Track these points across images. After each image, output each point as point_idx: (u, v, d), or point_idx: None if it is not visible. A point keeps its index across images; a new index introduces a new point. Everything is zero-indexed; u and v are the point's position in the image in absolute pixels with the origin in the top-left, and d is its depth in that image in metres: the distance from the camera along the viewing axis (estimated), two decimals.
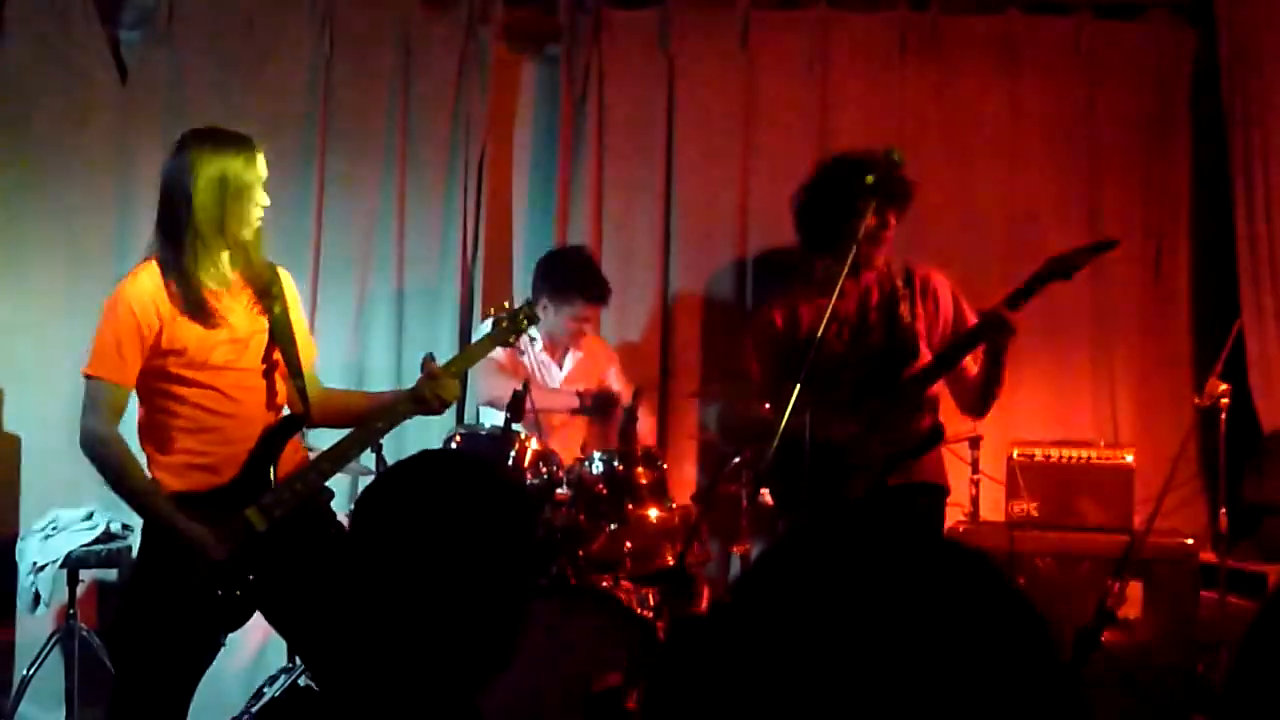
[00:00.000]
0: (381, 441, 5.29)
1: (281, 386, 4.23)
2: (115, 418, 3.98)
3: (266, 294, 4.15)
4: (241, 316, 4.09)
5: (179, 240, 3.97)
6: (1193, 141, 6.45)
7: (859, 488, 4.45)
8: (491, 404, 5.60)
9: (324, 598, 3.89)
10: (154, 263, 4.00)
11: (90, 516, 5.76)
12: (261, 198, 4.05)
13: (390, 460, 5.39)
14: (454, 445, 5.28)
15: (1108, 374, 6.39)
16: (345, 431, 4.29)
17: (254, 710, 5.43)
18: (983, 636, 1.09)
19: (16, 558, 5.73)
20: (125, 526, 5.79)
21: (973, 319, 4.73)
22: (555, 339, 5.84)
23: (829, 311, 3.99)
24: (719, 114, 6.33)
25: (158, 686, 4.03)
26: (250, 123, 6.14)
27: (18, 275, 6.09)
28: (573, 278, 5.75)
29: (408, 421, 4.49)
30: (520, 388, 4.88)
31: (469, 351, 4.73)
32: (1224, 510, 5.58)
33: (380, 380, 6.08)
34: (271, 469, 4.12)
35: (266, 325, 4.13)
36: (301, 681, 5.48)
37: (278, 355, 4.17)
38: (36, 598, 5.60)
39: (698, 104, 6.33)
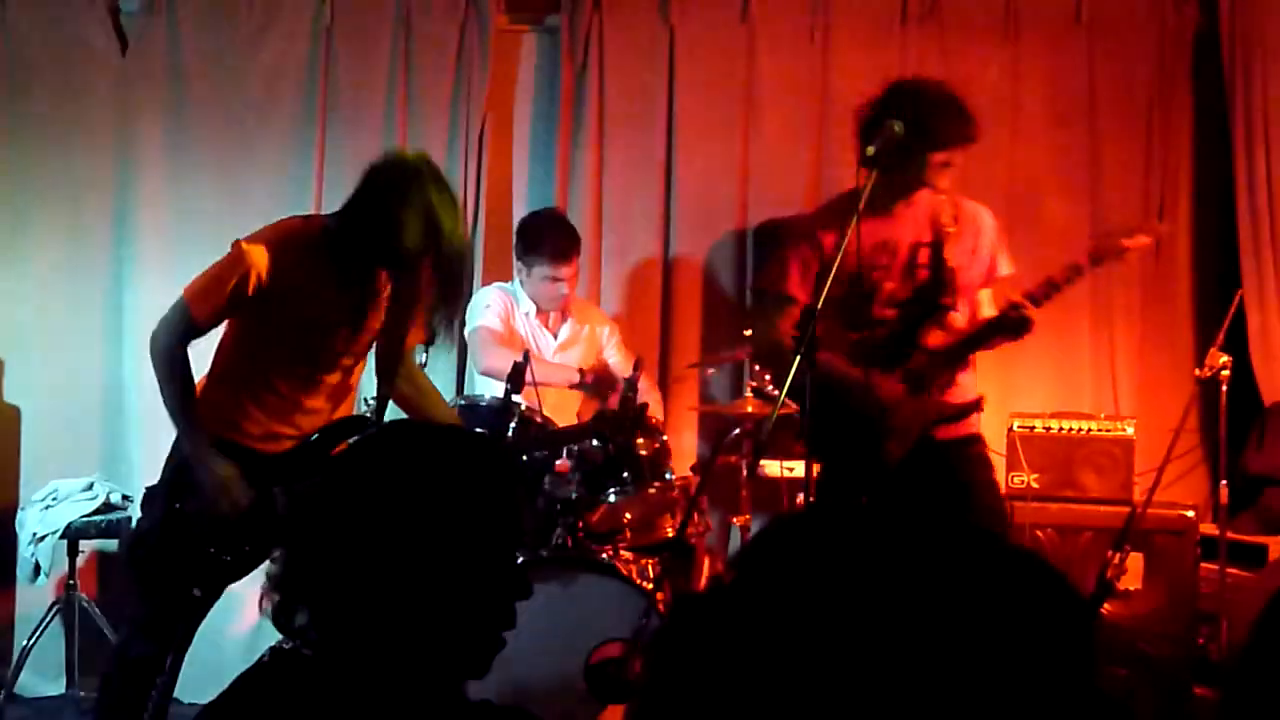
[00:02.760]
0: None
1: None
2: None
3: None
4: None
5: None
6: (1194, 112, 6.43)
7: (896, 450, 4.46)
8: (489, 374, 5.58)
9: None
10: None
11: (90, 487, 5.77)
12: None
13: None
14: None
15: (1108, 345, 6.38)
16: None
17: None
18: (983, 612, 1.07)
19: (16, 528, 5.74)
20: (125, 497, 5.80)
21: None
22: (542, 303, 5.82)
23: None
24: (720, 85, 6.30)
25: (162, 608, 4.16)
26: (250, 93, 6.18)
27: (18, 245, 6.08)
28: (539, 238, 5.72)
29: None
30: (520, 358, 4.87)
31: None
32: (1224, 482, 5.59)
33: None
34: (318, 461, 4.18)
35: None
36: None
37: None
38: (36, 568, 5.61)
39: (698, 75, 6.30)
